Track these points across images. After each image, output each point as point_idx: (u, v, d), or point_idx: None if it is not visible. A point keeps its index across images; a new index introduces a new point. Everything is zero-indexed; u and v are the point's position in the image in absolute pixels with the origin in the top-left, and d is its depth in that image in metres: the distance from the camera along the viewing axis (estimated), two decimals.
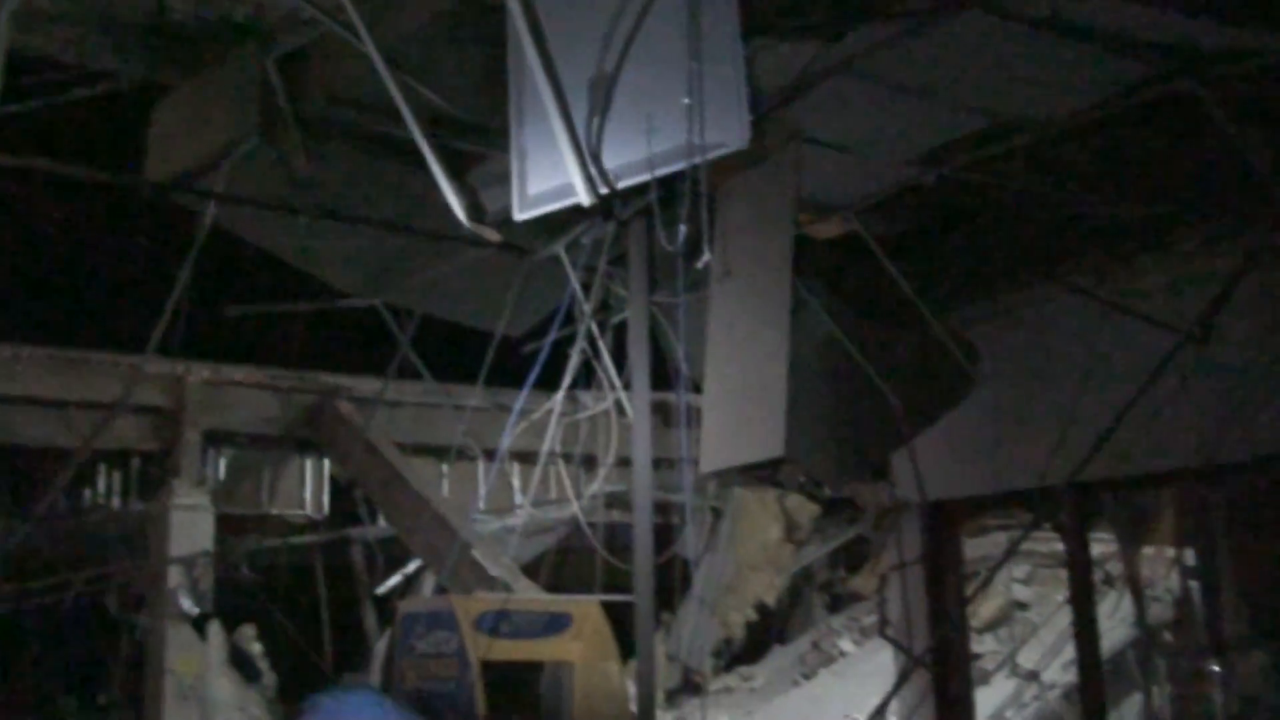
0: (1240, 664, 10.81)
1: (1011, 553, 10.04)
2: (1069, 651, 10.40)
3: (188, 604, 13.27)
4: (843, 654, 17.46)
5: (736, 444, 6.06)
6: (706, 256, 5.18)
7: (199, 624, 13.55)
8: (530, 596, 9.85)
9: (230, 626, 14.53)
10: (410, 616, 6.36)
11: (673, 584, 17.74)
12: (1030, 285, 9.51)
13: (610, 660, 6.36)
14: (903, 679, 8.79)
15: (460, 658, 5.85)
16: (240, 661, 14.18)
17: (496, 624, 6.10)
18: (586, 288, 8.29)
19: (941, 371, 8.56)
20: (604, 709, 6.39)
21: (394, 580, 16.35)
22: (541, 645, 6.23)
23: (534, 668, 6.25)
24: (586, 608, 6.48)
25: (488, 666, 5.92)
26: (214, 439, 14.90)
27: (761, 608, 19.38)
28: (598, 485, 11.34)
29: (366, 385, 15.11)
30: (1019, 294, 9.76)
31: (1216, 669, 10.92)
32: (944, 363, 8.51)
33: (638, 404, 6.28)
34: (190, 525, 13.79)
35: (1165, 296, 8.50)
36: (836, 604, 19.66)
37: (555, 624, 6.29)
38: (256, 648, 14.80)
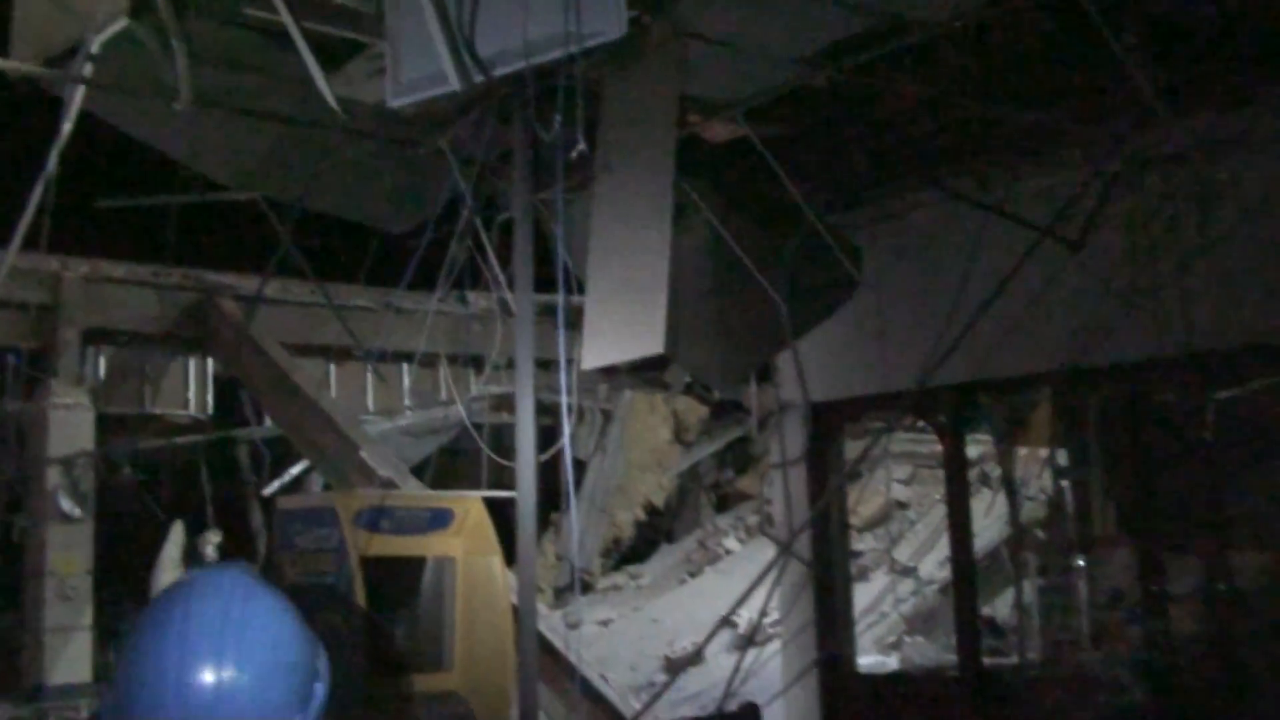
0: (1107, 560, 11.22)
1: (876, 439, 10.22)
2: (946, 548, 10.72)
3: (67, 505, 13.04)
4: (728, 552, 17.82)
5: (617, 341, 6.08)
6: (581, 146, 5.13)
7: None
8: (412, 492, 9.86)
9: (113, 528, 14.36)
10: (290, 513, 6.32)
11: (561, 484, 17.95)
12: (914, 190, 9.63)
13: (492, 555, 6.41)
14: (779, 574, 8.98)
15: (340, 553, 5.84)
16: (195, 564, 14.08)
17: (377, 520, 6.10)
18: (478, 187, 8.20)
19: (825, 275, 8.64)
20: (486, 604, 6.45)
21: (281, 481, 16.24)
22: (423, 541, 6.24)
23: (416, 563, 6.27)
24: (469, 504, 6.49)
25: (368, 562, 5.93)
26: (93, 337, 14.54)
27: (650, 508, 19.68)
28: (479, 386, 11.36)
29: (251, 283, 14.86)
30: (903, 198, 9.89)
31: (1083, 564, 11.33)
32: (828, 266, 8.59)
33: (521, 302, 6.26)
34: (69, 425, 13.49)
35: (1045, 203, 8.67)
36: (723, 504, 20.03)
37: (437, 520, 6.30)
38: (212, 553, 14.71)
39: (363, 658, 5.78)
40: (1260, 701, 8.29)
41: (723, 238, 7.79)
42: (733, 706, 6.06)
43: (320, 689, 2.27)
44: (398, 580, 6.22)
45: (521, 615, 5.94)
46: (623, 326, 5.97)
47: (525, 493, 5.84)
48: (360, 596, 5.75)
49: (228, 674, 2.20)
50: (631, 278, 5.96)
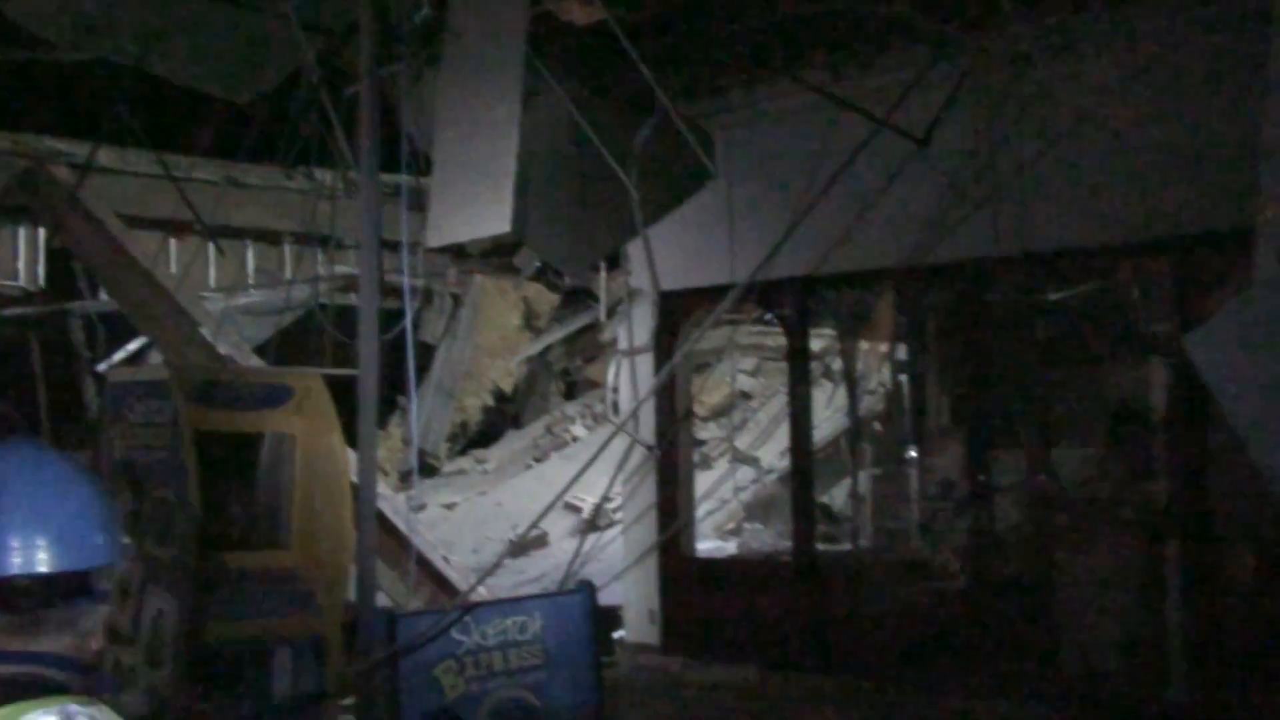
0: (938, 453, 11.62)
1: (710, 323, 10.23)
2: (787, 438, 10.96)
3: None
4: (575, 439, 17.95)
5: (463, 220, 6.00)
6: (425, 11, 4.99)
7: None
8: (249, 367, 9.67)
9: None
10: (121, 386, 6.13)
11: (408, 369, 17.82)
12: (768, 81, 9.65)
13: (332, 434, 6.33)
14: (622, 459, 9.08)
15: (173, 427, 5.71)
16: None
17: (212, 394, 5.95)
18: (324, 57, 7.94)
19: (678, 163, 8.63)
20: (325, 483, 6.39)
21: (117, 356, 15.77)
22: (260, 417, 6.12)
23: (252, 439, 6.16)
24: (308, 381, 6.38)
25: (203, 437, 5.80)
26: None
27: (498, 394, 19.68)
28: (325, 266, 11.12)
29: (85, 150, 14.24)
30: (757, 89, 9.91)
31: (916, 456, 11.73)
32: (681, 154, 8.57)
33: (365, 180, 6.11)
34: None
35: (894, 98, 8.75)
36: (572, 391, 20.14)
37: (275, 396, 6.18)
38: None
39: (196, 534, 5.69)
40: (1071, 588, 8.74)
41: (576, 121, 7.69)
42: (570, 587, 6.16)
43: (109, 549, 2.25)
44: (233, 456, 6.11)
45: (361, 495, 5.91)
46: (469, 205, 5.89)
47: (366, 372, 5.78)
48: (193, 472, 5.64)
49: (16, 538, 2.17)
50: (479, 155, 5.87)
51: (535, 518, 15.41)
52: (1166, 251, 8.31)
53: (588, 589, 5.25)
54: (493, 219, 5.75)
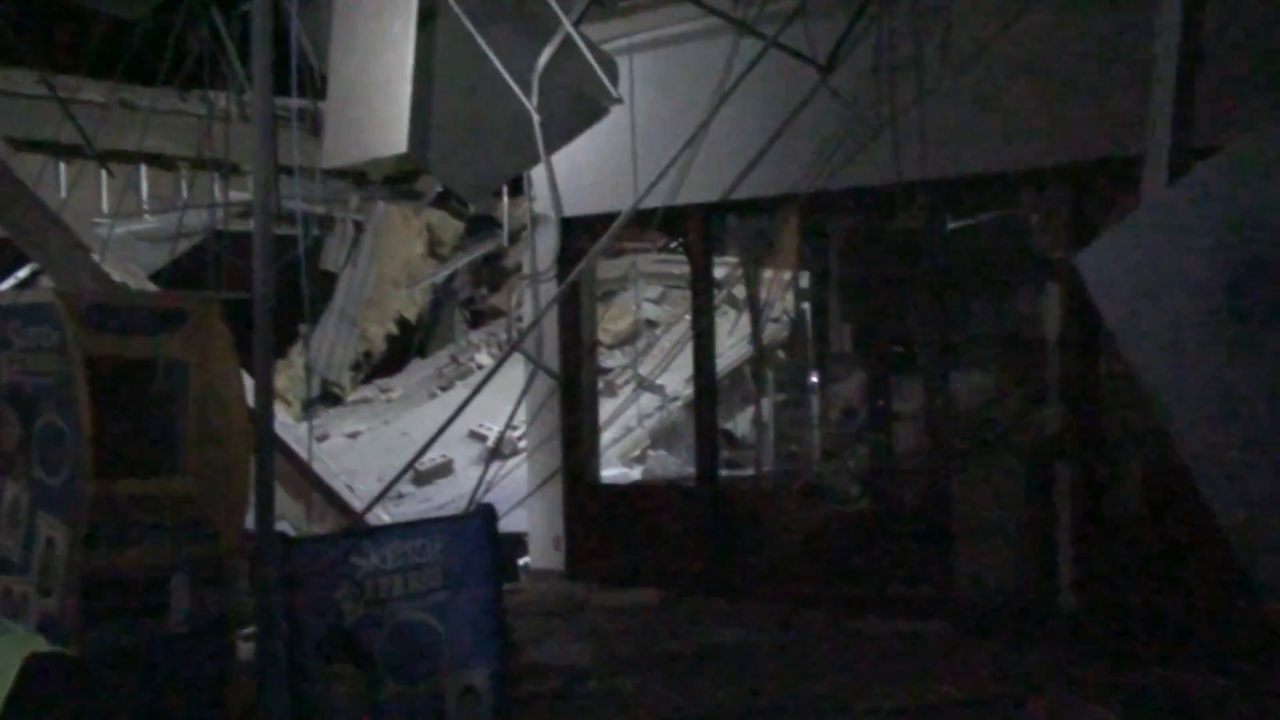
0: (840, 379, 11.76)
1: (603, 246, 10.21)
2: (691, 366, 11.00)
3: None
4: (479, 367, 17.86)
5: (358, 140, 5.89)
6: None
7: None
8: (142, 291, 9.46)
9: None
10: (6, 310, 5.95)
11: (303, 296, 17.55)
12: (671, 4, 9.57)
13: (227, 360, 6.20)
14: (528, 387, 9.07)
15: (61, 352, 5.56)
16: None
17: (103, 319, 5.80)
18: None
19: (581, 88, 8.54)
20: (221, 409, 6.28)
21: (5, 284, 15.33)
22: (153, 342, 5.98)
23: (145, 365, 6.02)
24: (202, 306, 6.25)
25: (93, 362, 5.66)
26: None
27: (402, 322, 19.51)
28: (221, 191, 10.86)
29: None
30: (660, 12, 9.83)
31: (818, 382, 11.86)
32: (584, 79, 8.49)
33: (259, 102, 5.94)
34: None
35: (798, 24, 8.74)
36: (477, 320, 20.03)
37: (169, 321, 6.04)
38: None
39: (87, 460, 5.57)
40: (967, 509, 8.93)
41: (476, 43, 7.56)
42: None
43: None
44: (125, 382, 5.97)
45: (257, 420, 5.82)
46: (364, 125, 5.78)
47: (261, 298, 5.66)
48: (84, 398, 5.50)
49: None
50: (374, 75, 5.75)
51: (444, 450, 15.38)
52: (1064, 178, 8.42)
53: (487, 513, 5.25)
54: (388, 139, 5.65)
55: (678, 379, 14.33)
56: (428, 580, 5.03)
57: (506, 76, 7.74)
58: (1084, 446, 8.36)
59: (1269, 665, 6.66)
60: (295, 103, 7.85)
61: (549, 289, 10.53)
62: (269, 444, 5.73)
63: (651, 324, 16.83)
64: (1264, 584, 3.88)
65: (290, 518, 10.92)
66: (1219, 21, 6.22)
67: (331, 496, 11.83)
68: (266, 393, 5.77)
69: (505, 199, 10.97)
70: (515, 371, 11.49)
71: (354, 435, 17.02)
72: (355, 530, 6.86)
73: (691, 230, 10.34)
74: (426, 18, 6.39)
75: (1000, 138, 8.57)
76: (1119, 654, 7.65)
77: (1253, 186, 3.78)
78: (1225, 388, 3.75)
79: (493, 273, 19.32)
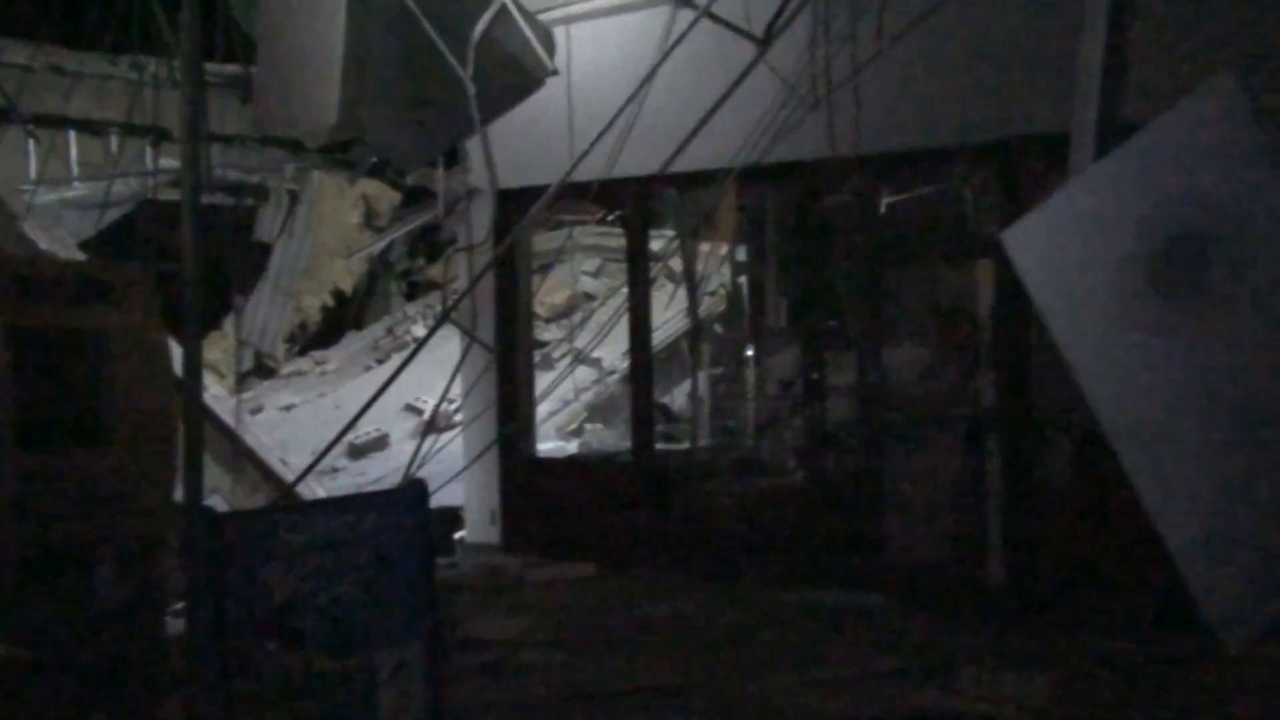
0: (776, 353, 11.82)
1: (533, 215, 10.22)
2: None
3: None
4: (416, 340, 17.74)
5: (289, 109, 5.80)
6: None
7: None
8: (70, 260, 9.30)
9: None
10: None
11: (248, 265, 17.43)
12: None
13: (154, 331, 6.11)
14: (462, 360, 9.02)
15: None
16: None
17: (27, 288, 5.69)
18: None
19: (518, 58, 8.47)
20: (149, 380, 6.19)
21: None
22: (79, 312, 5.88)
23: (71, 334, 5.91)
24: (131, 275, 6.15)
25: (17, 332, 5.55)
26: None
27: (338, 294, 19.33)
28: (153, 159, 10.68)
29: None
30: None
31: (754, 356, 11.91)
32: (521, 50, 8.42)
33: (186, 66, 5.84)
34: None
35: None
36: (414, 292, 19.89)
37: (96, 291, 5.94)
38: None
39: (9, 433, 5.47)
40: (900, 483, 9.02)
41: (410, 11, 7.47)
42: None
43: None
44: (51, 351, 5.86)
45: (185, 392, 5.74)
46: (295, 94, 5.69)
47: (189, 271, 5.58)
48: (6, 368, 5.40)
49: None
50: (305, 42, 5.66)
51: (380, 423, 15.29)
52: (997, 154, 8.50)
53: (419, 487, 5.21)
54: (319, 109, 5.57)
55: (615, 352, 14.34)
56: (358, 556, 4.98)
57: (441, 46, 7.66)
58: (1014, 420, 8.46)
59: (1196, 632, 6.80)
60: (223, 67, 7.72)
61: (485, 262, 10.47)
62: (197, 417, 5.66)
63: (589, 297, 16.81)
64: (1212, 621, 3.96)
65: (222, 492, 10.81)
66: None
67: (265, 470, 11.71)
68: (195, 365, 5.69)
69: (441, 170, 10.88)
70: (452, 345, 11.44)
71: (288, 408, 16.87)
72: (284, 505, 6.79)
73: (628, 203, 10.32)
74: None
75: (934, 113, 8.62)
76: (1049, 623, 7.78)
77: (1176, 163, 3.83)
78: (1145, 363, 3.81)
79: (430, 245, 19.19)
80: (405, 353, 17.16)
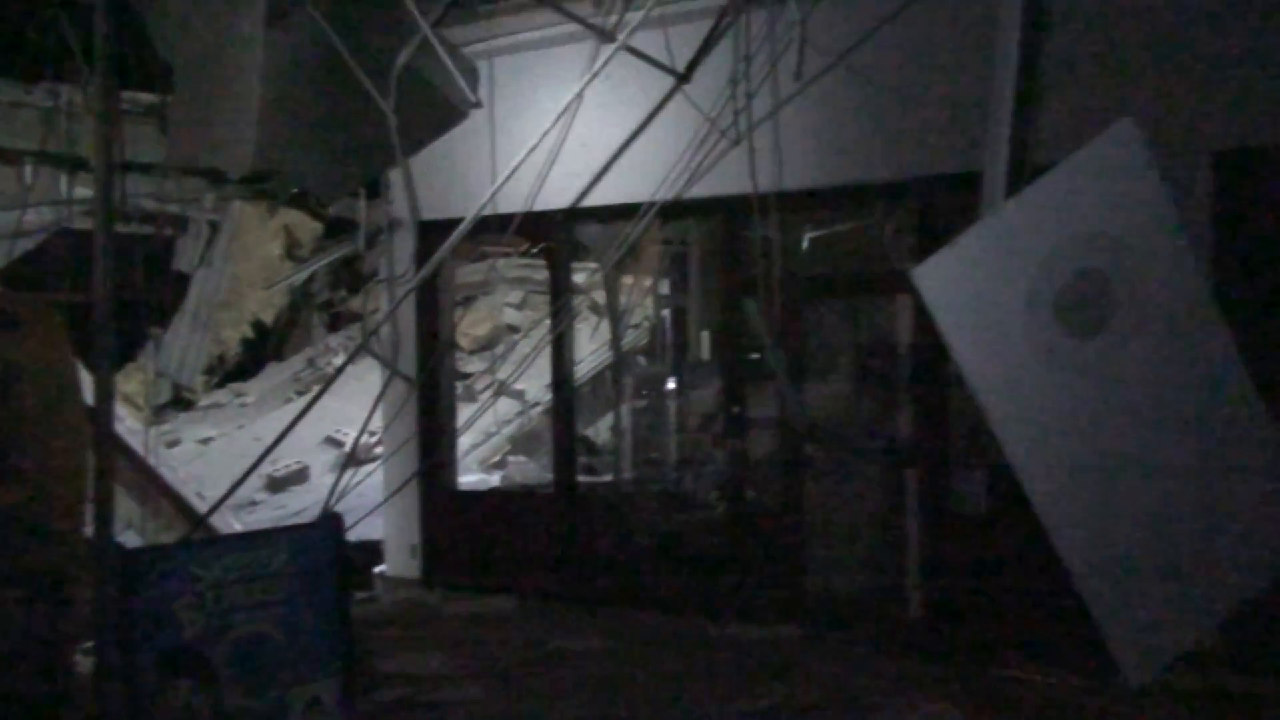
0: (698, 386, 11.87)
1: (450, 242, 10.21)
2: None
3: None
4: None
5: (204, 141, 5.75)
6: None
7: None
8: None
9: None
10: None
11: (165, 296, 17.17)
12: (530, 10, 9.56)
13: (64, 363, 6.02)
14: (383, 393, 8.96)
15: None
16: None
17: None
18: None
19: (440, 91, 8.47)
20: (60, 413, 6.08)
21: None
22: None
23: None
24: (39, 308, 6.05)
25: None
26: None
27: (259, 325, 19.11)
28: (69, 189, 10.53)
29: None
30: (522, 16, 9.81)
31: (676, 389, 11.95)
32: (443, 82, 8.42)
33: (99, 93, 5.77)
34: None
35: (659, 35, 8.81)
36: (335, 324, 19.72)
37: (3, 322, 5.84)
38: None
39: None
40: (820, 516, 9.09)
41: (330, 40, 7.45)
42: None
43: None
44: None
45: (97, 425, 5.64)
46: (211, 125, 5.64)
47: (102, 301, 5.49)
48: None
49: None
50: (223, 72, 5.62)
51: (300, 456, 15.10)
52: (913, 192, 8.63)
53: (333, 521, 5.16)
54: (237, 140, 5.52)
55: (539, 384, 14.32)
56: (272, 590, 4.93)
57: (362, 77, 7.64)
58: (932, 452, 8.56)
59: (1110, 662, 6.91)
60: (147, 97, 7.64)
61: (407, 294, 10.43)
62: (109, 449, 5.56)
63: (513, 329, 16.77)
64: (1117, 652, 4.03)
65: (136, 526, 10.62)
66: (1062, 41, 6.44)
67: (180, 504, 11.52)
68: (106, 397, 5.60)
69: (363, 201, 10.83)
70: (375, 377, 11.36)
71: (206, 441, 16.62)
72: (196, 539, 6.69)
73: (551, 236, 10.34)
74: (279, 15, 6.27)
75: (854, 152, 8.74)
76: (966, 653, 7.86)
77: (1080, 204, 3.92)
78: (1051, 398, 3.89)
79: (352, 275, 19.05)
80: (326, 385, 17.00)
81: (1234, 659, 7.13)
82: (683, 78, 8.23)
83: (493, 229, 10.69)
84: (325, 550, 5.10)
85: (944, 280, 3.95)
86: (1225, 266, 7.41)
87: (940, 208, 8.45)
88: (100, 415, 5.56)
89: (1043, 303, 3.87)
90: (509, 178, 6.90)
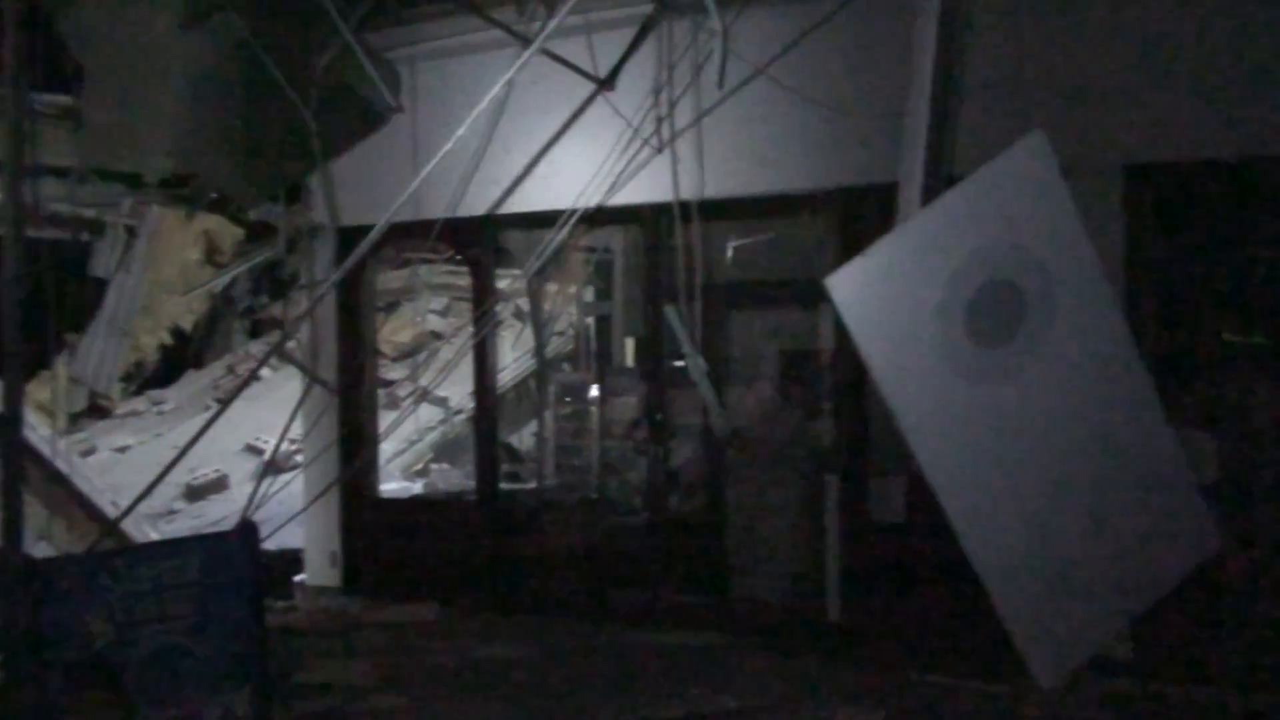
0: (622, 393, 11.85)
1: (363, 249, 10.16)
2: None
3: None
4: (258, 379, 17.37)
5: (118, 144, 5.67)
6: None
7: None
8: None
9: None
10: None
11: (84, 302, 16.85)
12: (454, 15, 9.53)
13: None
14: (303, 399, 8.88)
15: None
16: None
17: None
18: None
19: (361, 96, 8.43)
20: None
21: None
22: None
23: None
24: None
25: None
26: None
27: (178, 332, 18.83)
28: None
29: None
30: (445, 22, 9.78)
31: (600, 396, 11.93)
32: (365, 87, 8.38)
33: (13, 101, 5.66)
34: None
35: (581, 41, 8.83)
36: (257, 330, 19.47)
37: None
38: None
39: None
40: (742, 522, 9.13)
41: (251, 45, 7.38)
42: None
43: None
44: None
45: (5, 434, 5.54)
46: (127, 128, 5.56)
47: (9, 307, 5.39)
48: None
49: None
50: (138, 75, 5.54)
51: (219, 464, 14.90)
52: (835, 202, 8.70)
53: (248, 529, 5.10)
54: (153, 144, 5.45)
55: (462, 391, 14.23)
56: (184, 601, 4.85)
57: (281, 81, 7.58)
58: (853, 460, 8.64)
59: (1024, 668, 7.01)
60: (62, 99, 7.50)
61: (328, 299, 10.34)
62: (18, 458, 5.46)
63: (436, 335, 16.67)
64: (1027, 656, 4.09)
65: (49, 537, 10.42)
66: (979, 57, 6.54)
67: (96, 514, 11.32)
68: (15, 405, 5.50)
69: (284, 206, 10.72)
70: (296, 384, 11.23)
71: (123, 449, 16.34)
72: (107, 549, 6.58)
73: (474, 242, 10.30)
74: (196, 18, 6.21)
75: (776, 161, 8.80)
76: (884, 659, 7.93)
77: (990, 215, 3.98)
78: (962, 407, 3.94)
79: (274, 282, 18.82)
80: (247, 392, 16.77)
81: (1143, 664, 7.28)
82: (605, 84, 8.25)
83: (416, 235, 10.67)
84: (240, 560, 5.03)
85: (856, 289, 4.00)
86: (1136, 278, 7.57)
87: (862, 217, 8.53)
88: (8, 423, 5.46)
89: (953, 312, 3.92)
90: (419, 181, 6.86)
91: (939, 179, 4.70)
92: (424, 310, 16.49)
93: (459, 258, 12.65)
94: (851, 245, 8.54)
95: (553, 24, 6.89)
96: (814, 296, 9.51)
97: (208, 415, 16.87)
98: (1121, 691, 7.05)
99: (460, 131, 7.04)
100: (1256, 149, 7.29)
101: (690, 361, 9.08)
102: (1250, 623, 7.28)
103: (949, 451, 3.94)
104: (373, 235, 7.03)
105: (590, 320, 12.81)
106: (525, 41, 8.81)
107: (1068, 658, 4.13)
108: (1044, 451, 3.98)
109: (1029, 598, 4.00)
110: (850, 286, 4.01)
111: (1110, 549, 4.07)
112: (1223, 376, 7.67)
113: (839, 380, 8.83)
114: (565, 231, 9.95)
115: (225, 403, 6.86)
